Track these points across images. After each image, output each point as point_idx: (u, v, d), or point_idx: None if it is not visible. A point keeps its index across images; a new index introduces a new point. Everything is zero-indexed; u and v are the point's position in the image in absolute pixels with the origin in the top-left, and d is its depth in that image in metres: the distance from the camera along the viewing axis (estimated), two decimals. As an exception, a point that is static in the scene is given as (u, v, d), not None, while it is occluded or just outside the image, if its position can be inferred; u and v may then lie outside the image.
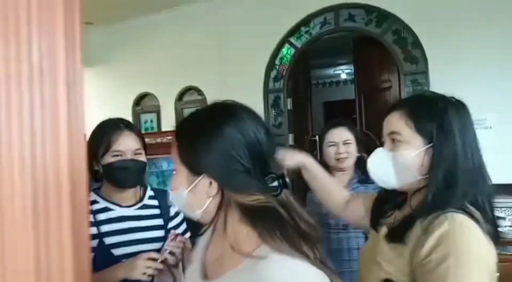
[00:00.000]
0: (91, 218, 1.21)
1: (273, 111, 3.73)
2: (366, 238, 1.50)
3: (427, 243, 0.78)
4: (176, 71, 4.09)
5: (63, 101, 0.62)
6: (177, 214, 1.35)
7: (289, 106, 3.75)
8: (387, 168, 0.90)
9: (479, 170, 0.87)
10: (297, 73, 3.99)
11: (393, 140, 0.91)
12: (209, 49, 3.93)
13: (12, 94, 0.58)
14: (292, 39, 3.66)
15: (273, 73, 3.75)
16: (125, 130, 1.25)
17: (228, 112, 0.73)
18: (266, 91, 3.75)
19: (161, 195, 1.34)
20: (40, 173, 0.62)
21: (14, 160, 0.60)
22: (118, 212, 1.28)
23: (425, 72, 3.19)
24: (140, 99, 4.40)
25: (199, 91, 4.08)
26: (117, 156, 1.22)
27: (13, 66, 0.61)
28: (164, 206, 1.32)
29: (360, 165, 1.63)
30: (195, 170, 0.72)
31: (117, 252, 1.21)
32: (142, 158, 1.26)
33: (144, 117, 4.40)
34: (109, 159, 1.22)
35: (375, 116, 3.80)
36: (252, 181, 0.70)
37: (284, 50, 3.71)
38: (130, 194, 1.31)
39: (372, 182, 1.57)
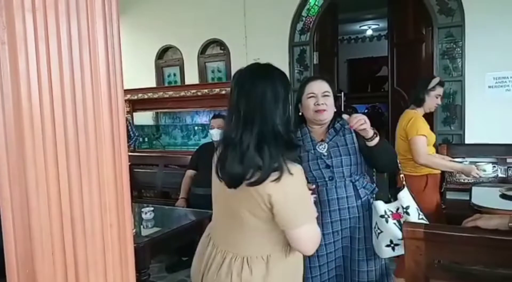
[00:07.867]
0: None
1: (298, 65, 3.63)
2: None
3: None
4: (200, 24, 3.99)
5: (101, 34, 0.60)
6: None
7: (316, 61, 3.65)
8: None
9: None
10: (325, 26, 3.84)
11: None
12: (234, 1, 3.80)
13: (50, 26, 0.57)
14: (320, -11, 3.48)
15: (299, 26, 3.62)
16: None
17: None
18: (292, 44, 3.64)
19: None
20: (80, 99, 0.62)
21: (54, 90, 0.59)
22: None
23: (461, 25, 3.03)
24: (163, 53, 4.35)
25: (222, 45, 4.00)
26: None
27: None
28: None
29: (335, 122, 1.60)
30: None
31: None
32: None
33: (167, 71, 4.38)
34: None
35: (407, 71, 3.69)
36: None
37: (312, 0, 3.55)
38: None
39: (350, 132, 1.54)
